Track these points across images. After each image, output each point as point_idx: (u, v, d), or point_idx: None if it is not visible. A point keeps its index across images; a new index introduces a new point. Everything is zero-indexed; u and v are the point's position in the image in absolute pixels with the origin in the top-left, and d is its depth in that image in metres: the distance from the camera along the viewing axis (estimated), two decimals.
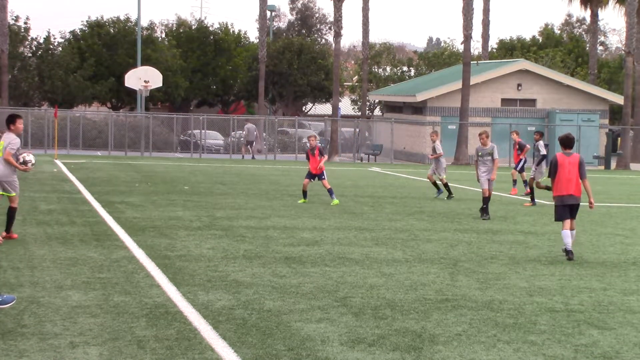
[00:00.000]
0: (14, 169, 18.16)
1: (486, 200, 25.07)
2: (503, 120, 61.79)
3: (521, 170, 33.63)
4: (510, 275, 15.85)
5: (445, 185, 30.77)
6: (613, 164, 60.99)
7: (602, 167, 60.06)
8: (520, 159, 33.46)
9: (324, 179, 27.94)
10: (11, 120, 18.15)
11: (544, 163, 29.93)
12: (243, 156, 58.81)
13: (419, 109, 64.03)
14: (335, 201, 27.43)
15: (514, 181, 34.28)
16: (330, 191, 27.76)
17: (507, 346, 10.95)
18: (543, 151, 30.54)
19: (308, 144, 28.82)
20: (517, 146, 33.30)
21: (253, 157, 58.51)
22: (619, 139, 64.01)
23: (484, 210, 25.06)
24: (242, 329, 11.32)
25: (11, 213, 18.38)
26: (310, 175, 27.98)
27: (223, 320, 11.73)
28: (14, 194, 18.25)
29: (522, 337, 11.39)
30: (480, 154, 25.42)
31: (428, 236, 20.89)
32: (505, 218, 25.37)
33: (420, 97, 62.27)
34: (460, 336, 11.34)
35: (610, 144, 60.87)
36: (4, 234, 18.17)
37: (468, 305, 13.19)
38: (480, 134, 25.74)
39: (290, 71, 76.58)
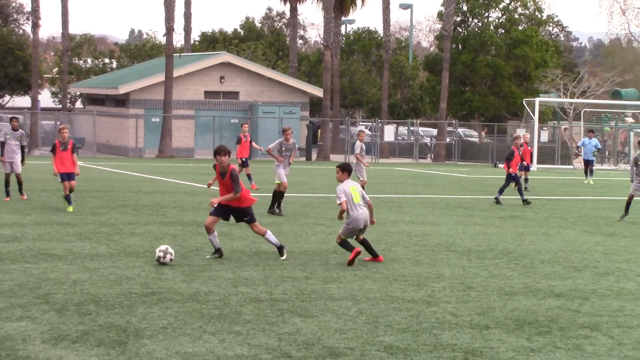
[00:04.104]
0: None
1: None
2: (206, 113, 62.13)
3: None
4: (215, 267, 15.93)
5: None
6: (314, 155, 62.61)
7: (304, 159, 61.53)
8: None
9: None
10: None
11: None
12: None
13: (121, 101, 63.34)
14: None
15: None
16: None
17: (212, 337, 10.98)
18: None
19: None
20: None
21: None
22: (319, 130, 65.79)
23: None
24: None
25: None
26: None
27: None
28: None
29: (228, 328, 11.46)
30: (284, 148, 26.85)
31: (133, 230, 20.67)
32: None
33: (122, 90, 61.62)
34: (166, 329, 11.28)
35: (311, 135, 62.47)
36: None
37: (174, 298, 13.14)
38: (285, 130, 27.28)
39: None
